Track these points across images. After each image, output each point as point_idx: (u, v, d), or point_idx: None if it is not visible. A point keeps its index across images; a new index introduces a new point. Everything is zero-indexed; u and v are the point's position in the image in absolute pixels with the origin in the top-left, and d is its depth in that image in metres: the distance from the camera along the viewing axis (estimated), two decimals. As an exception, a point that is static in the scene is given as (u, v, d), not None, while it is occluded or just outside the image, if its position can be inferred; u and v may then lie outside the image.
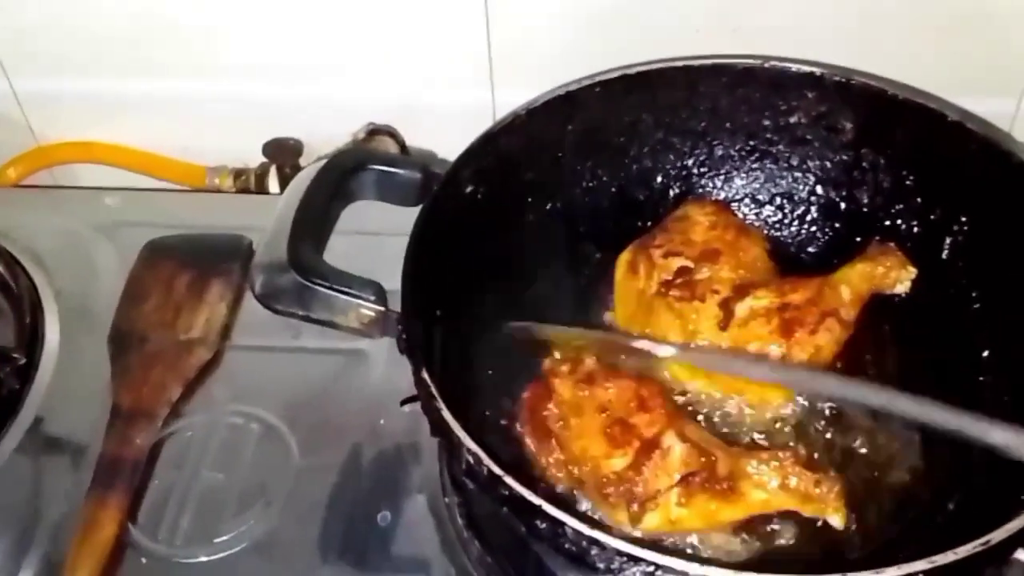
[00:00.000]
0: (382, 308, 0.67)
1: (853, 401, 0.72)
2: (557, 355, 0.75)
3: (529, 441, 0.71)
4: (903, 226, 0.81)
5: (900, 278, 0.77)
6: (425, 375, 0.63)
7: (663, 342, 0.75)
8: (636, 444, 0.68)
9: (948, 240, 0.78)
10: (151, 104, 1.07)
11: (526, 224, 0.81)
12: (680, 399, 0.75)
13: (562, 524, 0.56)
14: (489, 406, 0.74)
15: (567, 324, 0.78)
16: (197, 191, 1.10)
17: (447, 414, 0.61)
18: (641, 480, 0.67)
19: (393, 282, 0.69)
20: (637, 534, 0.66)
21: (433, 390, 0.62)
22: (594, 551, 0.56)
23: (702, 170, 0.86)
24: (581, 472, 0.69)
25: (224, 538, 0.76)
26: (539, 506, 0.57)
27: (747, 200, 0.87)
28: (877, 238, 0.80)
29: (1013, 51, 0.92)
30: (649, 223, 0.83)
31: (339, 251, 0.73)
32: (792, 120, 0.82)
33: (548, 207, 0.82)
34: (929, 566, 0.54)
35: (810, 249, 0.86)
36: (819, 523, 0.68)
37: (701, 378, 0.76)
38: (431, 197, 0.74)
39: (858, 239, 0.81)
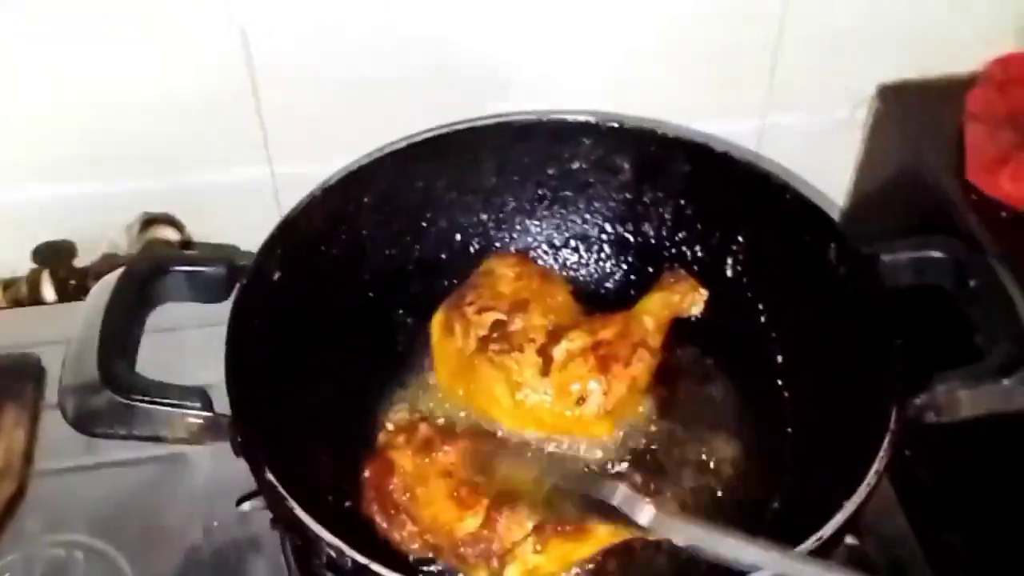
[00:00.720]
0: (210, 414, 0.66)
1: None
2: (390, 426, 0.75)
3: (379, 519, 0.71)
4: (688, 252, 0.87)
5: (694, 301, 0.83)
6: (270, 476, 0.62)
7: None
8: (485, 504, 0.69)
9: (730, 260, 0.85)
10: None
11: (337, 300, 0.81)
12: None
13: (435, 600, 0.57)
14: (331, 491, 0.74)
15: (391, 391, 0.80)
16: (-38, 312, 1.03)
17: (300, 512, 0.61)
18: (496, 536, 0.69)
19: (205, 377, 0.67)
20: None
21: (281, 490, 0.62)
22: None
23: (497, 224, 0.89)
24: (436, 539, 0.70)
25: None
26: (409, 587, 0.58)
27: (544, 246, 0.90)
28: (668, 266, 0.86)
29: (753, 77, 1.01)
30: (454, 281, 0.85)
31: (143, 356, 0.70)
32: (574, 167, 0.87)
33: (355, 281, 0.83)
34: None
35: (608, 284, 0.91)
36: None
37: (531, 424, 0.78)
38: (239, 291, 0.73)
39: (650, 269, 0.87)
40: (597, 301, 0.87)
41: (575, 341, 0.79)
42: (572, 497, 0.69)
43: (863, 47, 1.00)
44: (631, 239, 0.89)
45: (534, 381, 0.77)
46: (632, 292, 0.85)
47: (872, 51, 1.01)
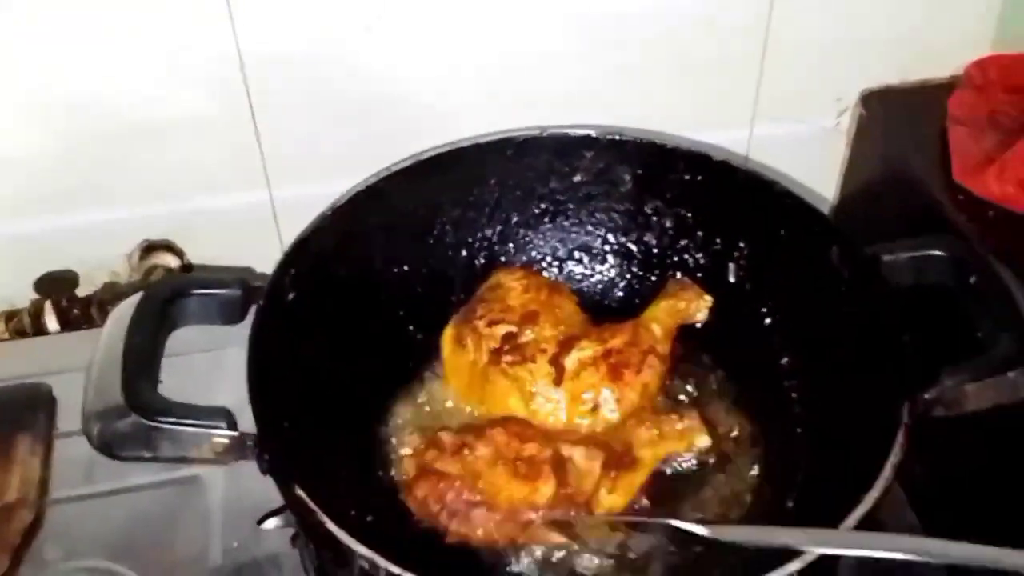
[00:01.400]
0: (236, 433, 0.66)
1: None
2: (408, 451, 0.77)
3: (455, 527, 0.72)
4: (691, 260, 0.89)
5: (699, 308, 0.85)
6: (300, 492, 0.63)
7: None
8: (547, 468, 0.72)
9: (732, 266, 0.87)
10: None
11: (349, 318, 0.82)
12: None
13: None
14: (353, 506, 0.74)
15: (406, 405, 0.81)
16: (-35, 346, 1.02)
17: (332, 525, 0.62)
18: (574, 490, 0.72)
19: (216, 400, 0.68)
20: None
21: (311, 504, 0.62)
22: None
23: (502, 238, 0.90)
24: (522, 517, 0.72)
25: None
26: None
27: (549, 258, 0.92)
28: (671, 274, 0.88)
29: (739, 88, 1.03)
30: (462, 296, 0.87)
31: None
32: (576, 180, 0.89)
33: (367, 298, 0.83)
34: (802, 565, 0.60)
35: (613, 294, 0.92)
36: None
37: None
38: (257, 312, 0.73)
39: (654, 278, 0.89)
40: (603, 311, 0.88)
41: (586, 350, 0.80)
42: None
43: (846, 55, 1.03)
44: (634, 249, 0.91)
45: (547, 391, 0.79)
46: (637, 301, 0.87)
47: (854, 59, 1.03)
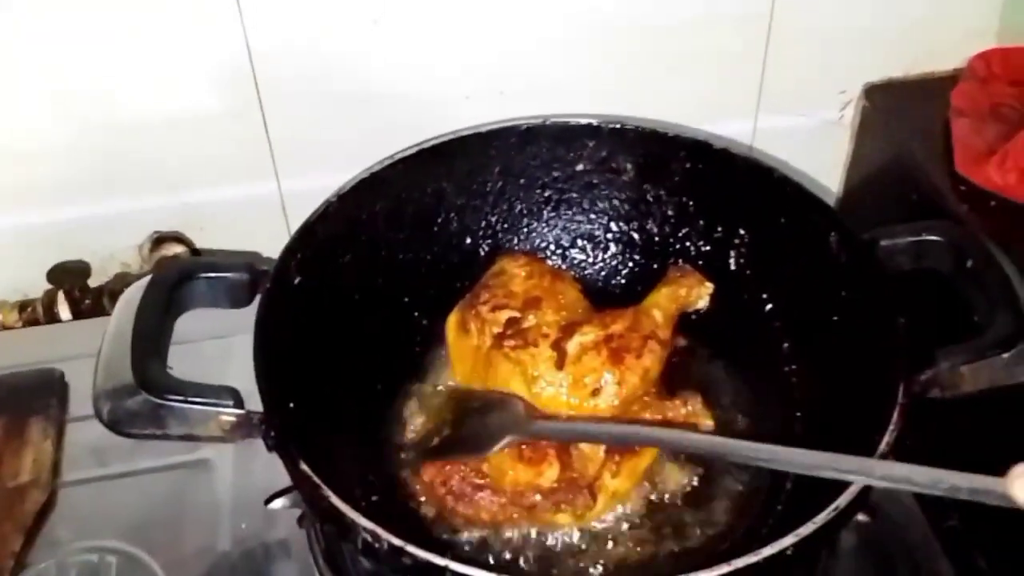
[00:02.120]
0: (243, 411, 0.68)
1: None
2: (413, 435, 0.78)
3: (461, 510, 0.74)
4: (692, 247, 0.90)
5: (700, 294, 0.85)
6: (305, 468, 0.64)
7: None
8: (552, 452, 0.73)
9: (733, 253, 0.88)
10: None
11: (355, 303, 0.83)
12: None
13: (471, 579, 0.59)
14: (357, 485, 0.76)
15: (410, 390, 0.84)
16: (-20, 334, 1.04)
17: (336, 499, 0.63)
18: (578, 475, 0.73)
19: (231, 383, 0.69)
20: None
21: (316, 480, 0.63)
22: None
23: (506, 226, 0.92)
24: (526, 500, 0.73)
25: None
26: (445, 567, 0.60)
27: (552, 246, 0.93)
28: (673, 262, 0.89)
29: (743, 80, 1.04)
30: (466, 283, 0.87)
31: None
32: (578, 168, 0.90)
33: (371, 284, 0.85)
34: (796, 539, 0.61)
35: (615, 281, 0.93)
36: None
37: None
38: (264, 296, 0.74)
39: (656, 265, 0.90)
40: (606, 298, 0.89)
41: (588, 335, 0.81)
42: None
43: (849, 49, 1.04)
44: (636, 237, 0.92)
45: (549, 374, 0.79)
46: (639, 288, 0.87)
47: (858, 52, 1.04)
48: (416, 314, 0.88)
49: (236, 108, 0.97)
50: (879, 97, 1.06)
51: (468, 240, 0.91)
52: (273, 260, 0.77)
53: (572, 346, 0.80)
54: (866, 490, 0.64)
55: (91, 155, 0.98)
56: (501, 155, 0.88)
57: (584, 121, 0.88)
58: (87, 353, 0.72)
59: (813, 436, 0.78)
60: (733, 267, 0.88)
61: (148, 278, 0.74)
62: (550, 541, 0.76)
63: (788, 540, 0.61)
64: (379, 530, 0.61)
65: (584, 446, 0.75)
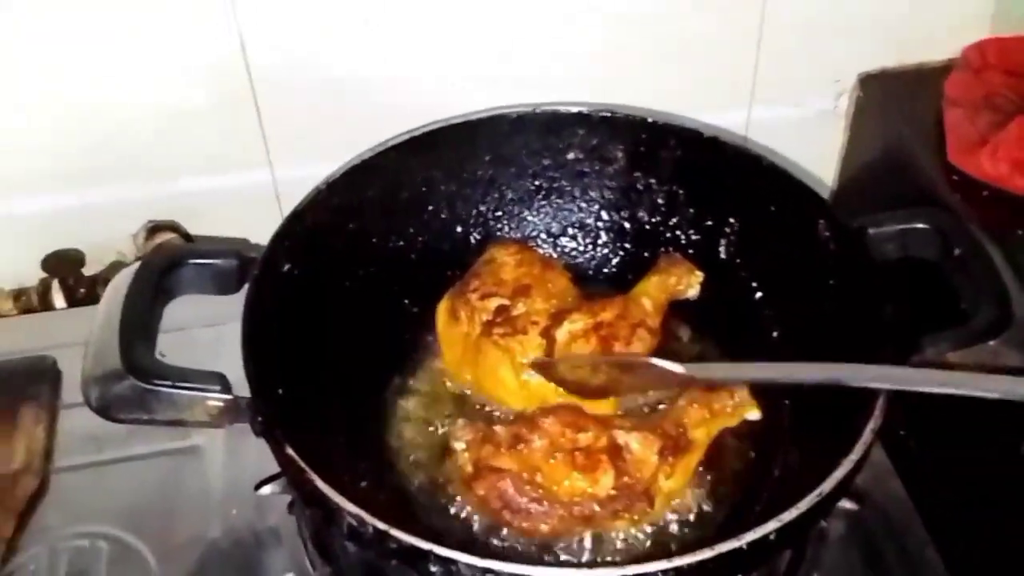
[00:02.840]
0: (230, 396, 0.68)
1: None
2: (461, 445, 0.76)
3: (518, 523, 0.72)
4: (682, 236, 0.90)
5: (690, 283, 0.86)
6: (291, 452, 0.64)
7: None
8: (605, 457, 0.72)
9: (723, 242, 0.88)
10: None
11: (345, 290, 0.83)
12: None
13: (455, 562, 0.59)
14: (345, 471, 0.76)
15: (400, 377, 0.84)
16: (-25, 322, 1.04)
17: (321, 483, 0.63)
18: (634, 480, 0.72)
19: (223, 371, 0.70)
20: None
21: (302, 464, 0.64)
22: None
23: (496, 214, 0.92)
24: (583, 510, 0.72)
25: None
26: (429, 551, 0.60)
27: (543, 234, 0.93)
28: (663, 250, 0.89)
29: (737, 70, 1.04)
30: (457, 271, 0.88)
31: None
32: (569, 157, 0.90)
33: (361, 272, 0.85)
34: (779, 524, 0.61)
35: (606, 270, 0.93)
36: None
37: (536, 404, 0.80)
38: (252, 282, 0.75)
39: (646, 254, 0.90)
40: (596, 286, 0.89)
41: (577, 323, 0.81)
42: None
43: (843, 38, 1.03)
44: (627, 225, 0.92)
45: (539, 362, 0.80)
46: (629, 277, 0.88)
47: (852, 41, 1.04)
48: (406, 302, 0.88)
49: (230, 98, 0.97)
50: (873, 86, 1.06)
51: (459, 228, 0.91)
52: (262, 246, 0.78)
53: (561, 334, 0.81)
54: (849, 477, 0.64)
55: (86, 145, 0.98)
56: (491, 143, 0.89)
57: (574, 109, 0.88)
58: (81, 341, 0.72)
59: (800, 424, 0.78)
60: (723, 255, 0.88)
61: (137, 264, 0.74)
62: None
63: (771, 525, 0.61)
64: (364, 514, 0.61)
65: (636, 450, 0.73)
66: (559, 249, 0.93)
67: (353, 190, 0.83)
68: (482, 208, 0.91)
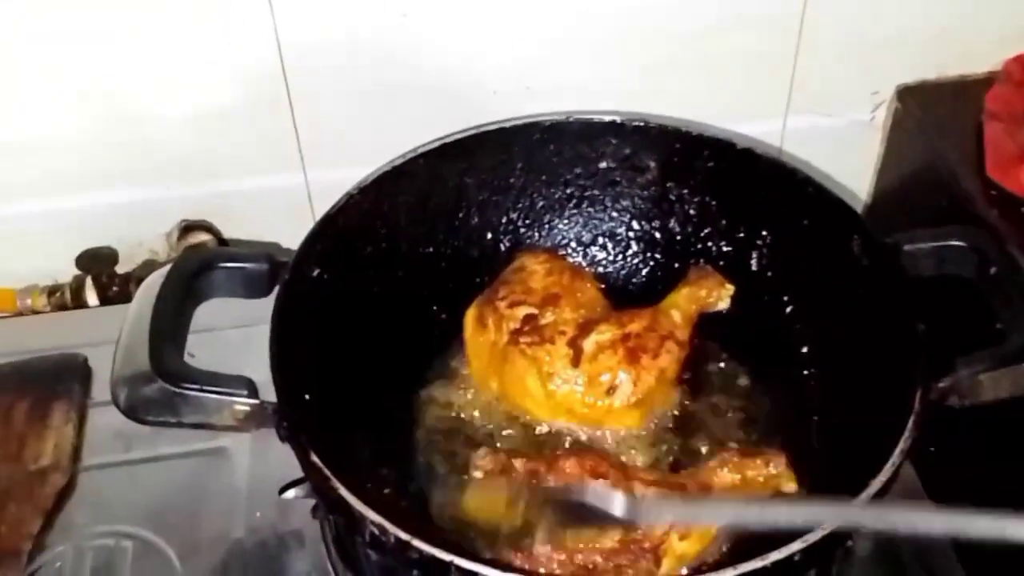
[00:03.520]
0: (257, 401, 0.68)
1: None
2: (479, 474, 0.75)
3: (522, 567, 0.70)
4: (714, 248, 0.89)
5: (721, 296, 0.85)
6: (315, 459, 0.65)
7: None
8: None
9: (755, 254, 0.87)
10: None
11: (374, 296, 0.83)
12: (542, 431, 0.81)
13: (476, 575, 0.59)
14: (370, 479, 0.76)
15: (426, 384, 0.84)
16: (10, 317, 1.05)
17: (344, 491, 0.63)
18: (643, 536, 0.69)
19: (251, 373, 0.70)
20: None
21: (326, 472, 0.64)
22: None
23: (527, 222, 0.91)
24: (586, 559, 0.69)
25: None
26: (451, 562, 0.60)
27: (573, 243, 0.93)
28: (694, 262, 0.88)
29: (773, 80, 1.03)
30: (486, 278, 0.88)
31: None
32: (601, 166, 0.89)
33: (391, 277, 0.85)
34: (804, 544, 0.60)
35: (635, 280, 0.93)
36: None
37: (562, 415, 0.80)
38: (282, 286, 0.75)
39: (677, 265, 0.89)
40: (625, 296, 0.89)
41: (605, 333, 0.81)
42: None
43: (881, 50, 1.02)
44: (658, 236, 0.91)
45: (565, 372, 0.79)
46: (659, 288, 0.87)
47: (891, 53, 1.03)
48: (434, 308, 0.88)
49: (265, 101, 0.97)
50: (912, 99, 1.04)
51: (488, 235, 0.91)
52: (292, 251, 0.78)
53: (589, 344, 0.80)
54: (878, 496, 0.63)
55: (122, 144, 0.99)
56: (524, 151, 0.88)
57: (608, 118, 0.87)
58: (112, 339, 0.72)
59: (828, 442, 0.77)
60: (754, 268, 0.87)
61: (168, 266, 0.75)
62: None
63: (796, 545, 0.60)
64: (387, 524, 0.61)
65: None
66: (589, 258, 0.93)
67: (384, 196, 0.83)
68: (513, 216, 0.91)
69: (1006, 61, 1.01)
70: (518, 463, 0.74)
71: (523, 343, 0.80)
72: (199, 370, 0.69)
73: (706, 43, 0.99)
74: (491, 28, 0.95)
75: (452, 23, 0.94)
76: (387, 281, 0.84)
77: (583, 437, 0.81)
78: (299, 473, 0.71)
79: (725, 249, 0.89)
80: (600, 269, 0.93)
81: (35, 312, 1.05)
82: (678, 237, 0.91)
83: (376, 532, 0.62)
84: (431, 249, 0.88)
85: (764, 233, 0.86)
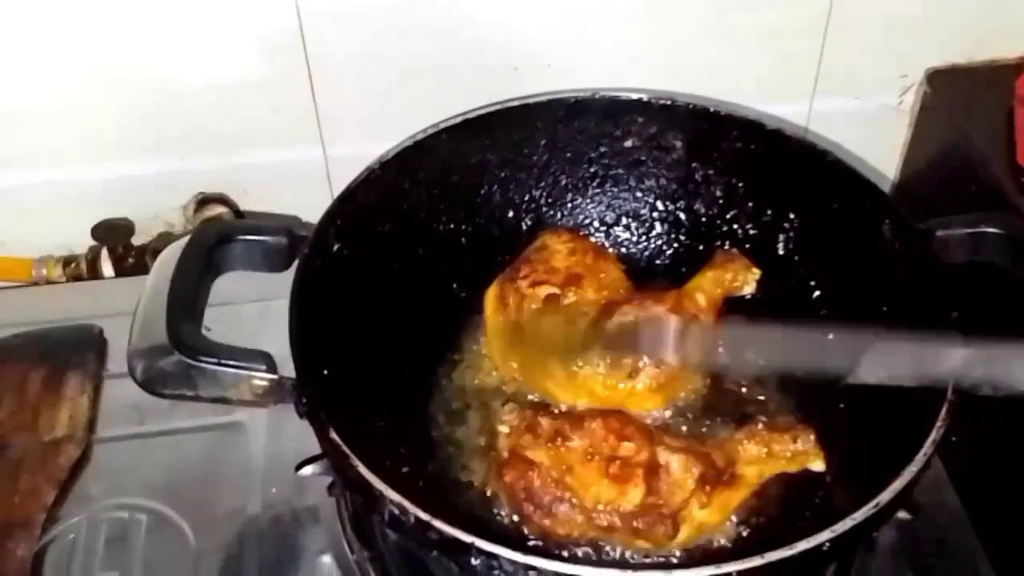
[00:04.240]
0: (275, 376, 0.67)
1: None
2: (505, 429, 0.75)
3: (538, 519, 0.71)
4: (740, 230, 0.87)
5: (747, 280, 0.84)
6: (335, 436, 0.64)
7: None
8: (640, 472, 0.70)
9: (782, 237, 0.85)
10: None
11: (393, 272, 0.82)
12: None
13: (496, 556, 0.58)
14: (388, 456, 0.75)
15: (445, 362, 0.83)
16: (26, 286, 1.05)
17: (364, 469, 0.62)
18: (663, 501, 0.69)
19: (269, 347, 0.69)
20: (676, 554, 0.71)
21: (346, 449, 0.63)
22: (531, 579, 0.58)
23: (549, 200, 0.90)
24: (606, 519, 0.70)
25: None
26: (471, 544, 0.59)
27: (596, 223, 0.91)
28: (719, 245, 0.87)
29: (800, 61, 1.01)
30: (507, 257, 0.87)
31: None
32: (626, 144, 0.88)
33: (411, 254, 0.84)
34: (832, 535, 0.59)
35: (659, 262, 0.91)
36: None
37: (583, 396, 0.79)
38: (302, 261, 0.74)
39: (702, 247, 0.88)
40: (649, 278, 0.87)
41: (627, 315, 0.79)
42: None
43: (911, 32, 1.01)
44: (683, 217, 0.90)
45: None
46: (683, 270, 0.86)
47: (920, 36, 1.01)
48: (454, 286, 0.87)
49: (285, 74, 0.96)
50: (941, 83, 1.03)
51: (511, 213, 0.89)
52: (312, 225, 0.77)
53: (611, 326, 0.79)
54: (909, 487, 0.62)
55: (139, 115, 0.98)
56: (548, 128, 0.87)
57: (634, 96, 0.86)
58: (128, 311, 0.72)
59: (856, 430, 0.76)
60: (781, 252, 0.86)
61: (186, 238, 0.74)
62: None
63: (824, 535, 0.59)
64: (407, 503, 0.60)
65: (675, 471, 0.71)
66: (612, 238, 0.92)
67: (405, 171, 0.82)
68: (535, 194, 0.90)
69: (1039, 46, 1.00)
70: (544, 420, 0.74)
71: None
72: (217, 343, 0.68)
73: (733, 21, 0.97)
74: (514, 3, 0.94)
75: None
76: (407, 258, 0.83)
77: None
78: (315, 449, 0.71)
79: (752, 232, 0.87)
80: (623, 250, 0.91)
81: (50, 282, 1.04)
82: (703, 219, 0.89)
83: (396, 512, 0.61)
84: (452, 226, 0.87)
85: (792, 216, 0.85)
